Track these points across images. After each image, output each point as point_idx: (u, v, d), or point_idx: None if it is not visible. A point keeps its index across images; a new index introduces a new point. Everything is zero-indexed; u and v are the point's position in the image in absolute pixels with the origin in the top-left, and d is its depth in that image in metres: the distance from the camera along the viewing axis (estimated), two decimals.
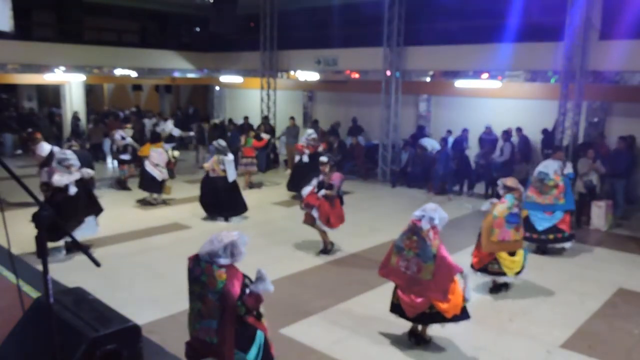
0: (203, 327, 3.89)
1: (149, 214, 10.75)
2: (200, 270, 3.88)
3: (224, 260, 3.86)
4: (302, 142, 12.28)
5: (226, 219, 10.21)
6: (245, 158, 13.26)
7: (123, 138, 13.19)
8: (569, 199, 8.48)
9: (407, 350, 5.46)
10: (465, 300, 5.24)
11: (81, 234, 8.00)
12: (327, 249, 8.37)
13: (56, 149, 10.10)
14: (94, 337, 3.39)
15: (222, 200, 10.06)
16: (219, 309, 3.81)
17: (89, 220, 8.11)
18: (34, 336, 3.68)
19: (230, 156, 10.16)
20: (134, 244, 8.76)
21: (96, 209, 8.29)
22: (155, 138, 12.14)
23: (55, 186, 7.72)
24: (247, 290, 3.90)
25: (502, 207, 6.66)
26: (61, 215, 7.41)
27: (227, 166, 9.98)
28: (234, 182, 10.20)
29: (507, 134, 12.63)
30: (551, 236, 8.33)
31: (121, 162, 13.13)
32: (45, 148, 10.36)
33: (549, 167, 8.55)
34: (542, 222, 8.31)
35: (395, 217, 10.67)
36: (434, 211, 5.25)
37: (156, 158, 11.31)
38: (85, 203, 8.08)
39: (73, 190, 7.73)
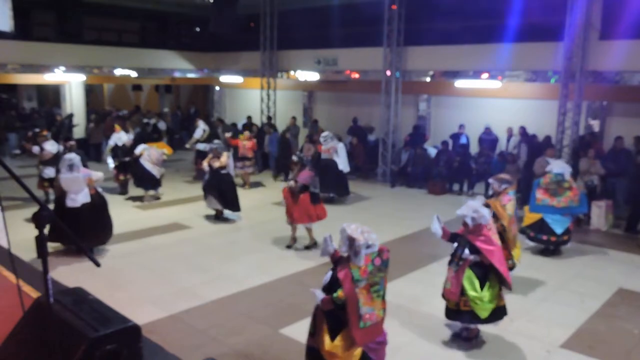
0: (372, 314, 4.14)
1: (149, 214, 10.75)
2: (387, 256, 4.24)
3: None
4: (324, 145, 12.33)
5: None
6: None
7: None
8: (584, 202, 8.56)
9: (407, 350, 5.46)
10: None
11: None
12: (310, 244, 8.62)
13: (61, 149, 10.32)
14: (94, 337, 3.37)
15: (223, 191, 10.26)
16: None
17: None
18: (34, 336, 3.68)
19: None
20: (134, 244, 8.76)
21: None
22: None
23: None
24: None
25: (511, 204, 6.61)
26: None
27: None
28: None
29: (524, 134, 12.43)
30: (565, 237, 8.36)
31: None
32: (54, 146, 10.63)
33: (564, 168, 8.52)
34: (562, 225, 8.27)
35: (395, 217, 10.68)
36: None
37: (155, 156, 11.38)
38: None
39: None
